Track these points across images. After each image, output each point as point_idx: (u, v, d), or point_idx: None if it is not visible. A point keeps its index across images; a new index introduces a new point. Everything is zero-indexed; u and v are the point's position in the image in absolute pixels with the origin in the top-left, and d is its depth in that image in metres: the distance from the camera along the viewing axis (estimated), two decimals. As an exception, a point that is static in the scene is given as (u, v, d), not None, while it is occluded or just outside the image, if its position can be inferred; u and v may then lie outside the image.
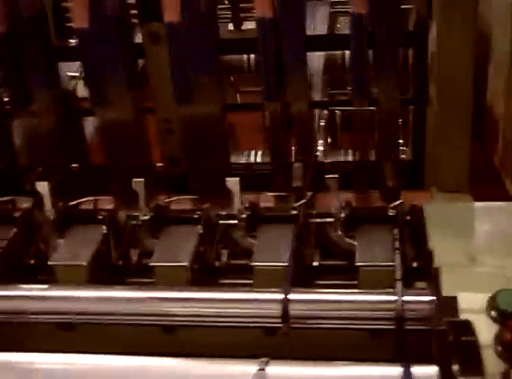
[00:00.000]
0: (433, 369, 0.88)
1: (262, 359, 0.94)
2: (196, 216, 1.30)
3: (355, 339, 1.13)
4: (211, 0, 1.34)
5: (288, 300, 1.09)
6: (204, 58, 1.37)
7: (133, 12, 1.44)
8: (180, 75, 1.39)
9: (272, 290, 1.12)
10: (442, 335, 0.92)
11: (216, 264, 1.29)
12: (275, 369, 0.92)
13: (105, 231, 1.30)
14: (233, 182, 1.27)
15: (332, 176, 1.25)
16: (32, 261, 1.34)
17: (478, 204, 1.37)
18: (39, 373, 1.05)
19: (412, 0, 1.43)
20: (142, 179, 1.31)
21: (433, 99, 1.41)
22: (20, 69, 1.43)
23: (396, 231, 1.22)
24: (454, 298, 1.00)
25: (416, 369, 0.88)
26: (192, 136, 1.45)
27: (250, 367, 0.93)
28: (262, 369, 0.92)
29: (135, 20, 1.45)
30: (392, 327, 1.06)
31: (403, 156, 1.48)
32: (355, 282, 1.19)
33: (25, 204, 1.40)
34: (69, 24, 1.58)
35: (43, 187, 1.33)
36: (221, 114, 1.44)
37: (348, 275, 1.23)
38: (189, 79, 1.38)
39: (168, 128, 1.49)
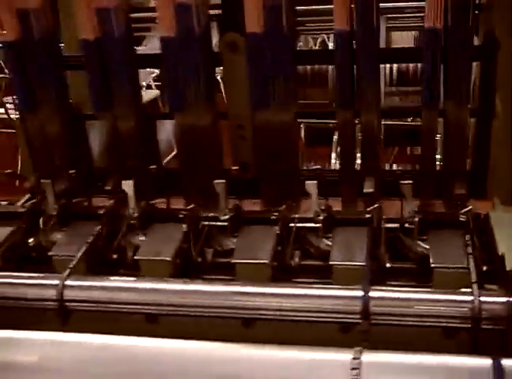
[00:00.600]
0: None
1: (356, 348, 1.00)
2: (273, 217, 1.38)
3: (429, 337, 1.20)
4: (290, 14, 1.42)
5: (369, 297, 1.17)
6: (282, 67, 1.43)
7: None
8: (258, 83, 1.46)
9: (353, 287, 1.18)
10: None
11: (292, 263, 1.36)
12: (369, 357, 0.99)
13: (185, 229, 1.39)
14: (311, 185, 1.33)
15: (406, 182, 1.32)
16: (115, 256, 1.41)
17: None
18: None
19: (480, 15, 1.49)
20: (224, 181, 1.39)
21: (499, 113, 1.47)
22: (105, 74, 1.51)
23: (468, 236, 1.29)
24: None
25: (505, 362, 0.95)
26: (265, 142, 1.51)
27: (345, 355, 1.01)
28: (357, 358, 0.98)
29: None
30: (468, 325, 1.14)
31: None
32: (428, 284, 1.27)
33: (107, 202, 1.49)
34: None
35: (128, 186, 1.40)
36: (294, 121, 1.51)
37: (419, 277, 1.31)
38: (266, 87, 1.46)
39: (241, 134, 1.56)
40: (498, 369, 0.94)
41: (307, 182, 1.33)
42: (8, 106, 4.86)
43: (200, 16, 1.42)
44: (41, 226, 1.44)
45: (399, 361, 1.00)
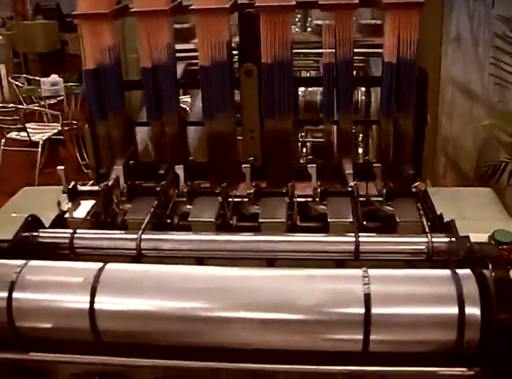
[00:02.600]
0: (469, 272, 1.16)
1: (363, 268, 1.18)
2: (284, 191, 1.52)
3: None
4: (290, 50, 1.59)
5: (359, 241, 1.34)
6: (284, 89, 1.59)
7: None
8: (266, 100, 1.63)
9: (348, 234, 1.35)
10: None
11: (298, 222, 1.50)
12: (372, 271, 1.17)
13: (221, 201, 1.53)
14: (312, 169, 1.51)
15: (377, 165, 1.52)
16: (169, 220, 1.53)
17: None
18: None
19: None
20: (249, 165, 1.55)
21: (429, 122, 1.70)
22: (157, 93, 1.65)
23: (419, 204, 1.47)
24: (468, 237, 1.30)
25: (460, 271, 1.16)
26: (269, 142, 1.67)
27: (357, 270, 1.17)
28: (366, 271, 1.17)
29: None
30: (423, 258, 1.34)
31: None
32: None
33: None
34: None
35: (179, 169, 1.55)
36: (291, 127, 1.68)
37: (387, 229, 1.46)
38: (273, 102, 1.63)
39: (251, 136, 1.73)
40: (454, 274, 1.15)
41: (309, 166, 1.51)
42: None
43: (227, 51, 1.60)
44: (115, 200, 1.56)
45: (393, 273, 1.19)
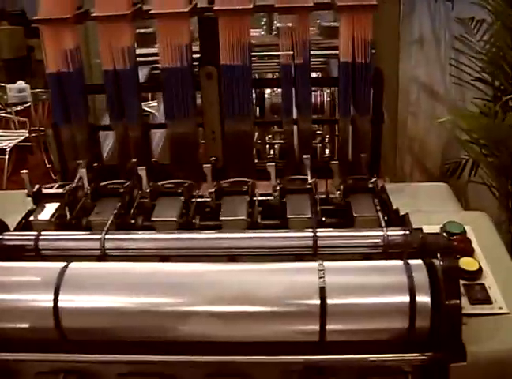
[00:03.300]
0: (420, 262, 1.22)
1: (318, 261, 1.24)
2: (244, 189, 1.58)
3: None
4: (249, 52, 1.64)
5: (317, 236, 1.40)
6: (243, 90, 1.66)
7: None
8: (227, 101, 1.68)
9: (306, 230, 1.39)
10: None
11: (259, 220, 1.53)
12: (328, 263, 1.22)
13: (183, 200, 1.57)
14: (271, 167, 1.56)
15: (334, 162, 1.57)
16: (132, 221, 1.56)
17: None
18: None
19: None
20: (210, 165, 1.59)
21: (386, 121, 1.77)
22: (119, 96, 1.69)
23: (376, 199, 1.52)
24: (421, 229, 1.36)
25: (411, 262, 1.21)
26: (230, 142, 1.73)
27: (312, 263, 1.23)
28: (321, 264, 1.22)
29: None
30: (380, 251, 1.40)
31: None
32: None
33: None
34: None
35: (142, 171, 1.58)
36: (252, 129, 1.74)
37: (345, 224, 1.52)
38: (233, 104, 1.68)
39: (213, 137, 1.78)
40: (406, 264, 1.21)
41: (268, 165, 1.56)
42: None
43: (188, 56, 1.64)
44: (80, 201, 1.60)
45: (347, 265, 1.24)
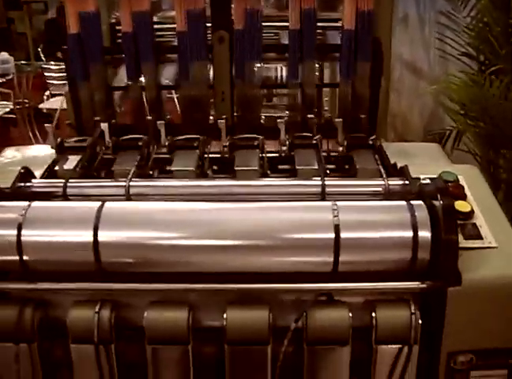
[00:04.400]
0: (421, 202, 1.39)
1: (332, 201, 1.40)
2: (255, 144, 1.73)
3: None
4: (260, 18, 1.78)
5: (325, 184, 1.55)
6: (254, 54, 1.80)
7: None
8: (238, 62, 1.82)
9: (315, 178, 1.55)
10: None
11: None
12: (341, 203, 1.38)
13: (199, 153, 1.72)
14: (281, 124, 1.70)
15: (339, 120, 1.73)
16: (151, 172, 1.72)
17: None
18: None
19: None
20: (224, 120, 1.73)
21: (382, 86, 1.92)
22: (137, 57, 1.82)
23: (376, 155, 1.69)
24: (419, 178, 1.52)
25: (413, 202, 1.38)
26: (239, 101, 1.87)
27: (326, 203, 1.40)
28: (335, 204, 1.37)
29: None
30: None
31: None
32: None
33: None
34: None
35: (161, 126, 1.71)
36: (258, 89, 1.88)
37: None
38: (244, 67, 1.82)
39: (223, 98, 1.91)
40: (408, 204, 1.37)
41: (278, 121, 1.71)
42: None
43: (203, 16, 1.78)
44: (101, 154, 1.73)
45: (357, 204, 1.40)
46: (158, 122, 1.71)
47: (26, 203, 1.39)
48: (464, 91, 2.04)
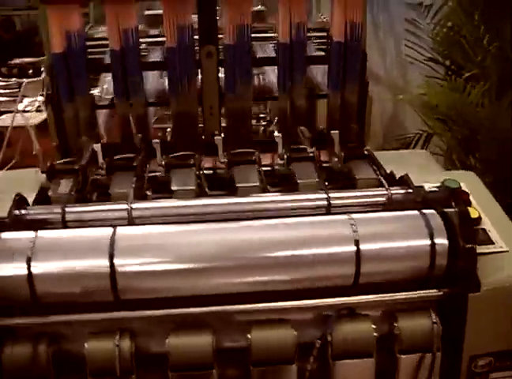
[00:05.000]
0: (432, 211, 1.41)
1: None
2: (253, 159, 1.71)
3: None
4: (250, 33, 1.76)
5: (329, 197, 1.56)
6: (243, 66, 1.78)
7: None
8: (228, 77, 1.81)
9: (319, 192, 1.55)
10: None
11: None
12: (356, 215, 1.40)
13: (196, 171, 1.69)
14: (278, 138, 1.70)
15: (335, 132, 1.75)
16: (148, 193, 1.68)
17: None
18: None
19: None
20: (221, 137, 1.71)
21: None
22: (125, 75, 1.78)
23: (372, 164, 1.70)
24: (422, 186, 1.56)
25: (425, 211, 1.41)
26: (229, 114, 1.85)
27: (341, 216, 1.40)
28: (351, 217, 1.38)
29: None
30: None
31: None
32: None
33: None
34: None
35: (156, 145, 1.67)
36: (249, 104, 1.86)
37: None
38: (234, 79, 1.81)
39: (211, 112, 1.89)
40: (421, 213, 1.40)
41: (275, 135, 1.71)
42: None
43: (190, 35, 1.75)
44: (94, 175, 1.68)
45: (373, 215, 1.42)
46: (153, 141, 1.67)
47: (31, 233, 1.33)
48: (444, 96, 2.10)
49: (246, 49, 1.76)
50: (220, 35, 1.81)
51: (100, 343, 1.29)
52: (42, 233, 1.34)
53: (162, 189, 1.66)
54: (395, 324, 1.34)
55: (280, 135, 1.73)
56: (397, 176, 1.60)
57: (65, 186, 1.62)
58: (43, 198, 1.59)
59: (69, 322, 1.32)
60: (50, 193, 1.60)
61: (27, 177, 1.71)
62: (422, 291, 1.35)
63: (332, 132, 1.73)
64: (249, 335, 1.31)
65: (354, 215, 1.38)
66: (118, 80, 1.77)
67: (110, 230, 1.34)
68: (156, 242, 1.34)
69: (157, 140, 1.67)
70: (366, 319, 1.35)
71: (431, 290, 1.35)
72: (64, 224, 1.49)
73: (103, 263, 1.28)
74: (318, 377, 1.35)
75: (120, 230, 1.34)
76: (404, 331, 1.34)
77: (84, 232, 1.37)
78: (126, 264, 1.29)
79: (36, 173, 1.71)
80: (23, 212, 1.49)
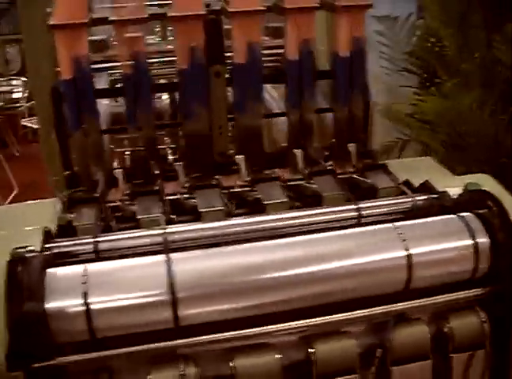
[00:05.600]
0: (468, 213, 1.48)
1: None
2: (274, 176, 1.74)
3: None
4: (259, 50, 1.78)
5: (360, 207, 1.61)
6: (255, 86, 1.81)
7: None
8: (238, 97, 1.83)
9: (348, 203, 1.60)
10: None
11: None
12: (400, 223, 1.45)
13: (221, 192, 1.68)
14: (298, 153, 1.74)
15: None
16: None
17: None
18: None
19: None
20: (243, 156, 1.72)
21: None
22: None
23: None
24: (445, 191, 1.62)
25: (461, 213, 1.47)
26: (240, 137, 1.87)
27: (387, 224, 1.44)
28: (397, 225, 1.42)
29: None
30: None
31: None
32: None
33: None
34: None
35: (179, 167, 1.67)
36: (260, 124, 1.88)
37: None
38: (244, 99, 1.83)
39: (220, 132, 1.90)
40: (458, 216, 1.46)
41: (295, 151, 1.74)
42: None
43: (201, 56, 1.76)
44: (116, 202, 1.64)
45: (415, 222, 1.47)
46: (175, 164, 1.66)
47: (80, 267, 1.29)
48: (435, 103, 2.20)
49: (257, 67, 1.78)
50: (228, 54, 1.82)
51: (164, 374, 1.27)
52: (91, 267, 1.30)
53: (187, 212, 1.65)
54: (447, 325, 1.39)
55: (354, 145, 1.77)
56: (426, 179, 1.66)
57: (87, 216, 1.58)
58: (65, 229, 1.54)
59: (128, 354, 1.28)
60: (75, 224, 1.55)
61: (32, 210, 1.66)
62: (469, 291, 1.41)
63: (349, 145, 1.77)
64: (311, 349, 1.32)
65: (396, 223, 1.42)
66: (130, 104, 1.74)
67: (162, 257, 1.32)
68: (214, 264, 1.33)
69: (179, 163, 1.66)
70: (420, 322, 1.39)
71: (477, 289, 1.41)
72: (97, 254, 1.46)
73: (163, 292, 1.25)
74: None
75: (175, 256, 1.32)
76: (455, 330, 1.39)
77: (134, 262, 1.34)
78: (186, 289, 1.27)
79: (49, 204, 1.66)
80: (53, 245, 1.45)
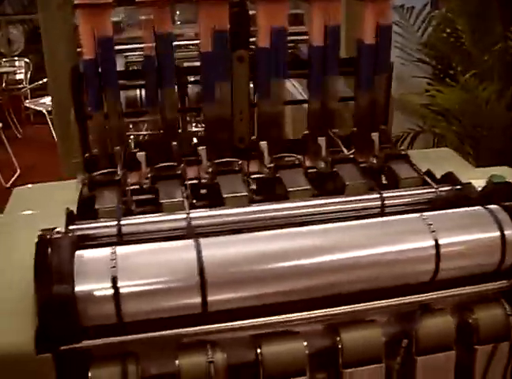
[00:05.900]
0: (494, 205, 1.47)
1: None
2: (297, 162, 1.71)
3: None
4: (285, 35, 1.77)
5: (384, 196, 1.59)
6: (279, 71, 1.78)
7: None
8: (260, 81, 1.80)
9: (372, 192, 1.59)
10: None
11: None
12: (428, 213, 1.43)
13: (243, 177, 1.66)
14: (321, 141, 1.72)
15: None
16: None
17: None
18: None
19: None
20: (266, 142, 1.70)
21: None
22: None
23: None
24: (470, 182, 1.62)
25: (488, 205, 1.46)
26: (261, 123, 1.84)
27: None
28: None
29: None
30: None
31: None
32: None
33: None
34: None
35: (202, 151, 1.65)
36: (282, 110, 1.87)
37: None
38: (266, 84, 1.80)
39: (241, 118, 1.88)
40: (484, 208, 1.45)
41: (319, 139, 1.72)
42: None
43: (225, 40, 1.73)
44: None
45: (442, 213, 1.45)
46: (199, 148, 1.64)
47: (107, 250, 1.27)
48: (454, 94, 2.18)
49: (282, 51, 1.76)
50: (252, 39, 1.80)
51: (192, 359, 1.25)
52: (120, 249, 1.28)
53: (209, 197, 1.64)
54: (472, 316, 1.39)
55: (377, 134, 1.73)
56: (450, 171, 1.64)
57: (109, 199, 1.56)
58: (86, 211, 1.52)
59: (155, 339, 1.26)
60: (97, 206, 1.53)
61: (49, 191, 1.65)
62: (494, 283, 1.40)
63: (372, 134, 1.76)
64: (338, 338, 1.31)
65: (425, 213, 1.41)
66: (151, 86, 1.72)
67: (191, 242, 1.30)
68: (243, 250, 1.31)
69: (203, 147, 1.64)
70: (445, 312, 1.38)
71: (502, 281, 1.41)
72: (120, 238, 1.44)
73: (193, 276, 1.24)
74: (401, 374, 1.37)
75: (203, 241, 1.30)
76: (480, 321, 1.38)
77: (163, 246, 1.32)
78: (216, 274, 1.26)
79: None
80: (77, 227, 1.43)
